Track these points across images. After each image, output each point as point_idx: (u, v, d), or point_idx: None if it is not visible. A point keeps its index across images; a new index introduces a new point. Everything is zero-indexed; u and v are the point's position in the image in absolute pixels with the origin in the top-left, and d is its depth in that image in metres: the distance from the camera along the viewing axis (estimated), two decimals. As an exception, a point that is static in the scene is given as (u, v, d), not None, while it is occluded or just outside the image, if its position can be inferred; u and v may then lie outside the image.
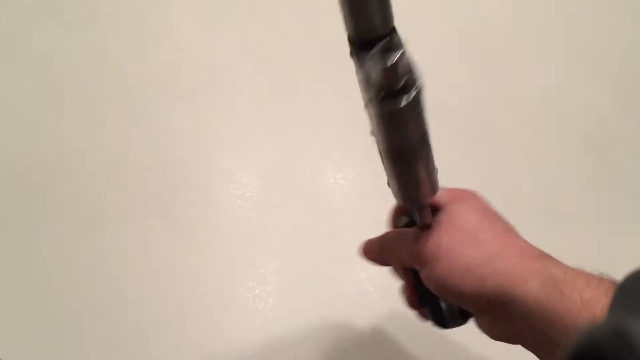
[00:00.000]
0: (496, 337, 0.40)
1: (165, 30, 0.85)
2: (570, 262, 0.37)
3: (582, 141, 0.84)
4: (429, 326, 0.47)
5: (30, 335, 0.60)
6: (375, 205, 0.54)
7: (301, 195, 0.72)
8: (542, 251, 0.40)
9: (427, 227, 0.42)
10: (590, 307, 0.32)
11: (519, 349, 0.38)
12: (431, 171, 0.37)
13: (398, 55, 0.27)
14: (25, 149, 0.72)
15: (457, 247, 0.39)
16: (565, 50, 0.94)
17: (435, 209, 0.44)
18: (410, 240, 0.43)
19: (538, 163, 0.80)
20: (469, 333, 0.44)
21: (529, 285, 0.35)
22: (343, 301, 0.66)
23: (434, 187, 0.38)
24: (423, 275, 0.41)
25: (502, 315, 0.38)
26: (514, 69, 0.90)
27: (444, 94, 0.82)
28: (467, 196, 0.44)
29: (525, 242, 0.41)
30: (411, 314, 0.49)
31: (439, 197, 0.43)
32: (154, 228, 0.68)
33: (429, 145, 0.34)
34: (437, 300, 0.45)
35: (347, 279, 0.67)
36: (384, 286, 0.67)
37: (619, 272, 0.32)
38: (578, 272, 0.35)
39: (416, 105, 0.30)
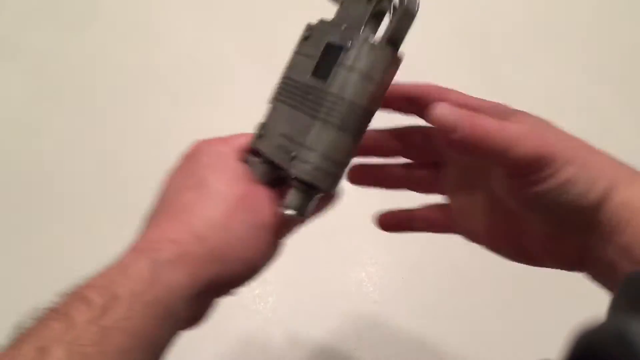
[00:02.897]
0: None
1: (166, 30, 0.85)
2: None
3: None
4: (428, 327, 0.47)
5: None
6: (376, 206, 0.54)
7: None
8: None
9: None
10: None
11: (513, 348, 0.38)
12: None
13: None
14: (25, 148, 0.72)
15: (583, 149, 0.30)
16: (566, 50, 0.94)
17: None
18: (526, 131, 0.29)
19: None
20: (469, 334, 0.44)
21: None
22: (343, 301, 0.66)
23: None
24: (522, 183, 0.29)
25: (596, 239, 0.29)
26: (515, 68, 0.90)
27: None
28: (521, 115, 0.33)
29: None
30: (411, 314, 0.49)
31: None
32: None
33: None
34: None
35: (347, 279, 0.67)
36: (384, 286, 0.67)
37: (619, 273, 0.32)
38: None
39: None
